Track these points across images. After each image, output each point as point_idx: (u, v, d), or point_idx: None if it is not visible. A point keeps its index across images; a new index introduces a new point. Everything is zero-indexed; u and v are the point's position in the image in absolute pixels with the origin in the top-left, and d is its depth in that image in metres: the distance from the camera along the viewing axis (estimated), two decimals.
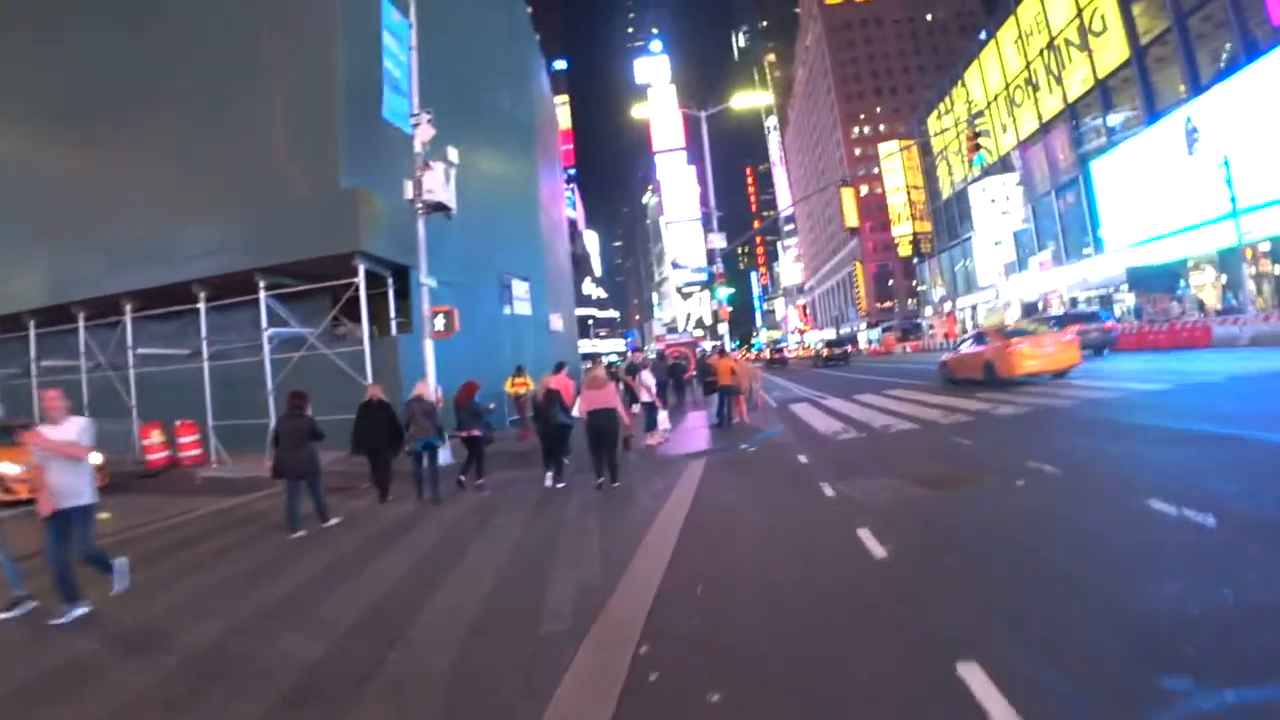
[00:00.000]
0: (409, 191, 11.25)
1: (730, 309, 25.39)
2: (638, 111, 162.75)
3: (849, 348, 43.42)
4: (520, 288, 18.78)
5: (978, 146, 26.39)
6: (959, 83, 47.09)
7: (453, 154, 11.61)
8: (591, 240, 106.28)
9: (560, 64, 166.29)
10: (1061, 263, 37.21)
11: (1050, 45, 35.03)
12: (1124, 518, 4.51)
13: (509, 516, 7.23)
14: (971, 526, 4.80)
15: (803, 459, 8.34)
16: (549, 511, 7.29)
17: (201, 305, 13.27)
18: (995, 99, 42.29)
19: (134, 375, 14.29)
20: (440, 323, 11.39)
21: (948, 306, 54.47)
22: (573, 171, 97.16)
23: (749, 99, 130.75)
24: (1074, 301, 35.50)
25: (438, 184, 11.10)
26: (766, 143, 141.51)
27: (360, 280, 12.08)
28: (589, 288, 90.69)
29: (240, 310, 13.28)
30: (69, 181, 15.47)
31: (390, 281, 13.33)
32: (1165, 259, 27.43)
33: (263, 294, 12.60)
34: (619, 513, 6.87)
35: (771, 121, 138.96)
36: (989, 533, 4.57)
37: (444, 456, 9.65)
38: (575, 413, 9.25)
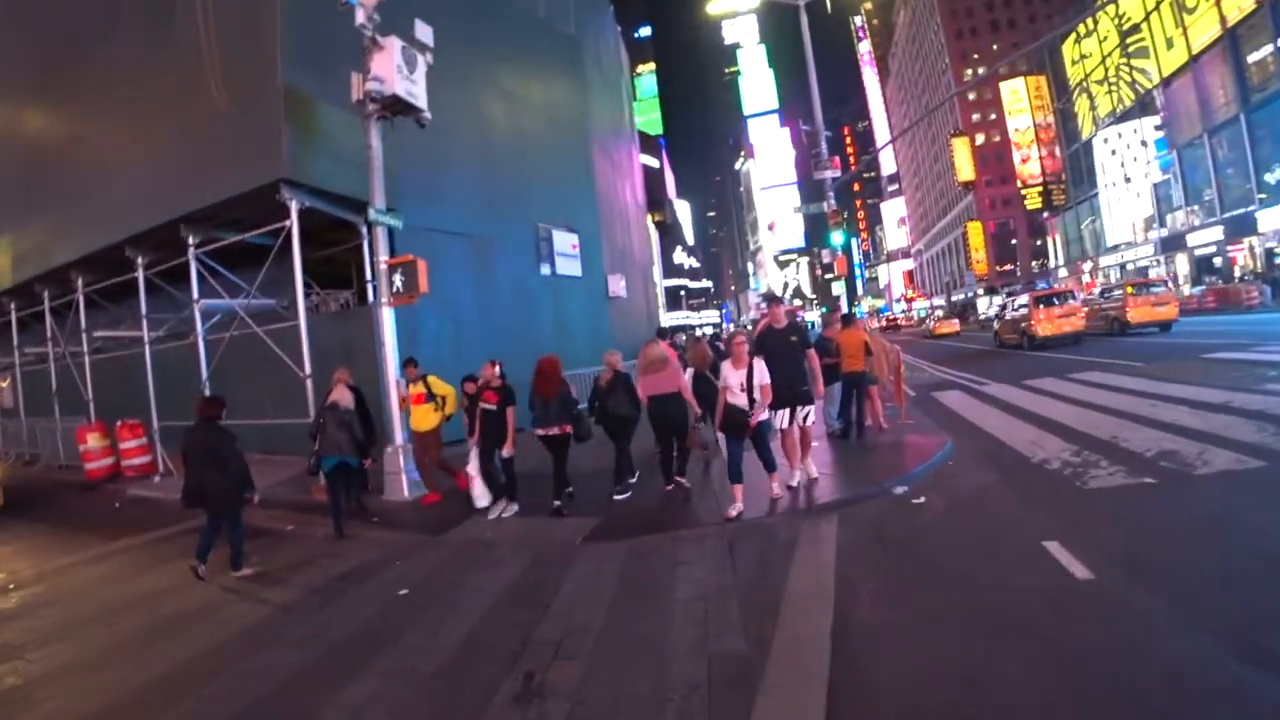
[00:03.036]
0: (356, 88, 7.85)
1: (845, 257, 20.51)
2: (727, 72, 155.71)
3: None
4: (565, 241, 15.33)
5: None
6: None
7: (423, 32, 8.14)
8: (683, 210, 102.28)
9: (645, 30, 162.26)
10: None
11: None
12: None
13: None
14: None
15: (1052, 548, 4.06)
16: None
17: (140, 273, 10.67)
18: (1158, 6, 34.40)
19: (89, 364, 12.02)
20: (399, 281, 7.99)
21: (1087, 267, 46.64)
22: (663, 139, 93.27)
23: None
24: (1270, 257, 28.21)
25: (389, 70, 7.66)
26: (865, 98, 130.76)
27: (293, 225, 8.81)
28: (680, 257, 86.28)
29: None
30: (14, 147, 13.34)
31: (364, 230, 10.02)
32: None
33: (191, 252, 9.78)
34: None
35: (870, 75, 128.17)
36: None
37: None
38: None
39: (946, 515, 5.23)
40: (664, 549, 5.23)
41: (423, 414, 7.65)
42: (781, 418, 6.27)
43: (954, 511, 5.28)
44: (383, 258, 8.11)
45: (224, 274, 10.11)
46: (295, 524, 7.42)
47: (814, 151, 18.40)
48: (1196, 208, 34.64)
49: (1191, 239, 34.43)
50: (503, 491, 6.91)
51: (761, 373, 5.78)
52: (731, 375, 5.82)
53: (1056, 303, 18.02)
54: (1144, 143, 38.44)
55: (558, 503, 6.66)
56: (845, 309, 17.45)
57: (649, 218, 70.73)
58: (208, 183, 9.32)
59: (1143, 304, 17.63)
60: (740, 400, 5.75)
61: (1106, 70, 40.80)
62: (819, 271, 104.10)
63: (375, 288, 8.50)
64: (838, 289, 22.38)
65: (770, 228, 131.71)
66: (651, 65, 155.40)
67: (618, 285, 17.69)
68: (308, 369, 8.69)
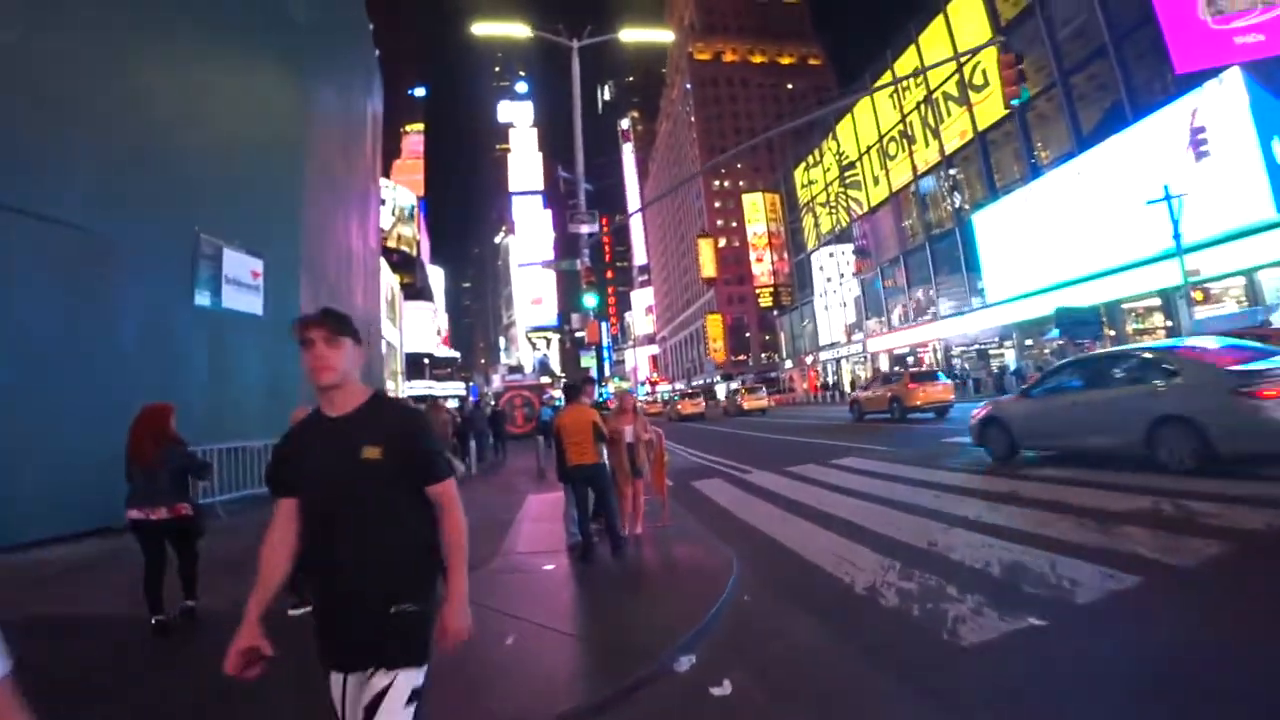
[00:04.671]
0: None
1: (598, 323, 19.77)
2: (498, 149, 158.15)
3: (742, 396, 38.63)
4: (242, 265, 11.52)
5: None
6: (830, 135, 47.10)
7: None
8: (436, 275, 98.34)
9: (420, 90, 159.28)
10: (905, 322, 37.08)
11: (928, 99, 34.99)
12: None
13: None
14: None
15: None
16: None
17: None
18: (869, 151, 42.19)
19: None
20: None
21: (808, 360, 53.78)
22: (423, 201, 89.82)
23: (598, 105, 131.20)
24: (948, 354, 34.79)
25: None
26: (624, 195, 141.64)
27: None
28: (427, 320, 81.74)
29: None
30: None
31: None
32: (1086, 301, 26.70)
33: None
34: None
35: (629, 162, 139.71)
36: None
37: None
38: None
39: None
40: None
41: None
42: None
43: (787, 711, 3.03)
44: None
45: None
46: None
47: (571, 203, 17.29)
48: (880, 319, 42.73)
49: (876, 343, 42.11)
50: None
51: None
52: None
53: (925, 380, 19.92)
54: (848, 263, 46.19)
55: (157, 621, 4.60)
56: (614, 378, 16.19)
57: (397, 277, 66.64)
58: None
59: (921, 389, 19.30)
60: None
61: (829, 195, 48.64)
62: (569, 344, 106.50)
63: None
64: (586, 360, 20.47)
65: (537, 301, 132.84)
66: (421, 125, 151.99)
67: None
68: None
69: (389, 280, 59.63)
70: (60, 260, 8.05)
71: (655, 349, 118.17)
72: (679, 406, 38.26)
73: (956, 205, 34.39)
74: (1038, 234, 26.92)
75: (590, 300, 18.79)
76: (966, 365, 33.62)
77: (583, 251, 17.28)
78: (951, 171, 34.57)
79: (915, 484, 8.24)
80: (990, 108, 30.10)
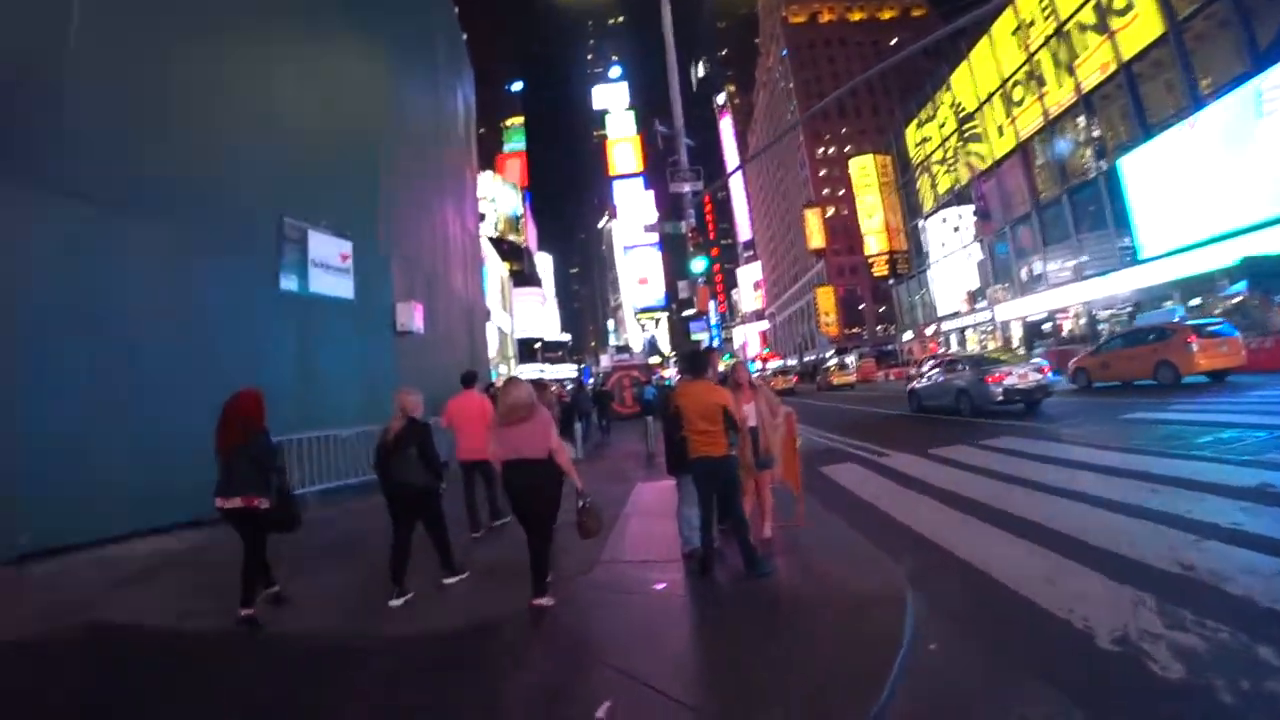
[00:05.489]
0: None
1: (707, 289, 18.53)
2: (596, 135, 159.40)
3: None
4: (330, 248, 11.25)
5: None
6: (944, 86, 43.12)
7: None
8: (544, 262, 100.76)
9: (517, 85, 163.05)
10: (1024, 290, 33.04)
11: (1059, 32, 30.94)
12: None
13: None
14: None
15: None
16: None
17: None
18: (990, 99, 38.12)
19: None
20: None
21: (928, 330, 50.09)
22: (528, 192, 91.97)
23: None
24: (1092, 320, 30.95)
25: None
26: (724, 171, 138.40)
27: None
28: (536, 306, 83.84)
29: None
30: None
31: None
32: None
33: None
34: None
35: (728, 137, 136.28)
36: None
37: None
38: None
39: None
40: None
41: None
42: None
43: None
44: None
45: None
46: None
47: (671, 159, 15.70)
48: (1007, 284, 38.72)
49: (1006, 310, 38.21)
50: None
51: None
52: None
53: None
54: (968, 225, 42.35)
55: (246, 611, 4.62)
56: (730, 351, 14.55)
57: (507, 265, 68.45)
58: None
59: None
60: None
61: (945, 152, 44.66)
62: (677, 323, 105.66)
63: None
64: (698, 334, 18.56)
65: (643, 282, 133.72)
66: (520, 119, 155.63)
67: (411, 316, 13.11)
68: None
69: (498, 269, 61.35)
70: (139, 244, 8.01)
71: (765, 324, 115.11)
72: (771, 383, 37.19)
73: (1098, 151, 30.31)
74: (1206, 174, 23.06)
75: (698, 264, 17.75)
76: (1117, 330, 29.78)
77: (687, 212, 15.83)
78: (1091, 113, 30.47)
79: (1112, 473, 6.68)
80: (1137, 32, 26.11)
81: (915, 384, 17.53)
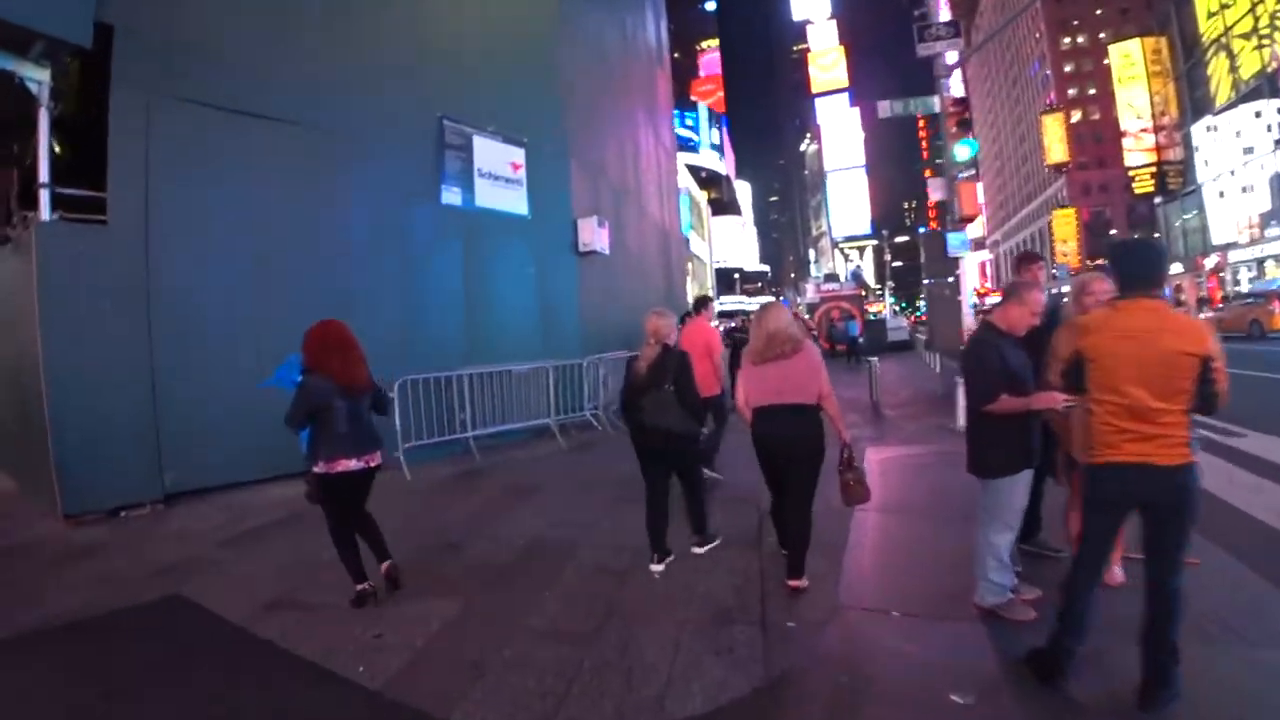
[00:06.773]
0: None
1: (974, 185, 14.36)
2: (795, 50, 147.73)
3: None
4: (498, 156, 9.90)
5: None
6: None
7: None
8: (743, 189, 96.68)
9: (710, 4, 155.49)
10: None
11: None
12: None
13: None
14: None
15: None
16: None
17: None
18: None
19: None
20: None
21: (1207, 263, 39.50)
22: (724, 118, 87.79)
23: None
24: None
25: None
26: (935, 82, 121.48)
27: None
28: (735, 235, 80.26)
29: None
30: None
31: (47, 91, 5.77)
32: None
33: None
34: None
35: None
36: None
37: None
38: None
39: None
40: None
41: None
42: None
43: None
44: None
45: None
46: None
47: (918, 12, 12.49)
48: None
49: None
50: None
51: None
52: None
53: None
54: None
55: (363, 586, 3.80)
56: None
57: (705, 193, 65.70)
58: None
59: None
60: None
61: (1257, 20, 33.47)
62: (886, 255, 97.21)
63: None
64: (955, 244, 13.74)
65: (849, 209, 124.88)
66: (715, 41, 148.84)
67: (595, 235, 11.33)
68: None
69: (697, 196, 59.01)
70: (280, 157, 7.24)
71: (986, 254, 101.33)
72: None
73: None
74: None
75: (963, 150, 14.02)
76: None
77: (942, 83, 12.83)
78: None
79: None
80: None
81: None
